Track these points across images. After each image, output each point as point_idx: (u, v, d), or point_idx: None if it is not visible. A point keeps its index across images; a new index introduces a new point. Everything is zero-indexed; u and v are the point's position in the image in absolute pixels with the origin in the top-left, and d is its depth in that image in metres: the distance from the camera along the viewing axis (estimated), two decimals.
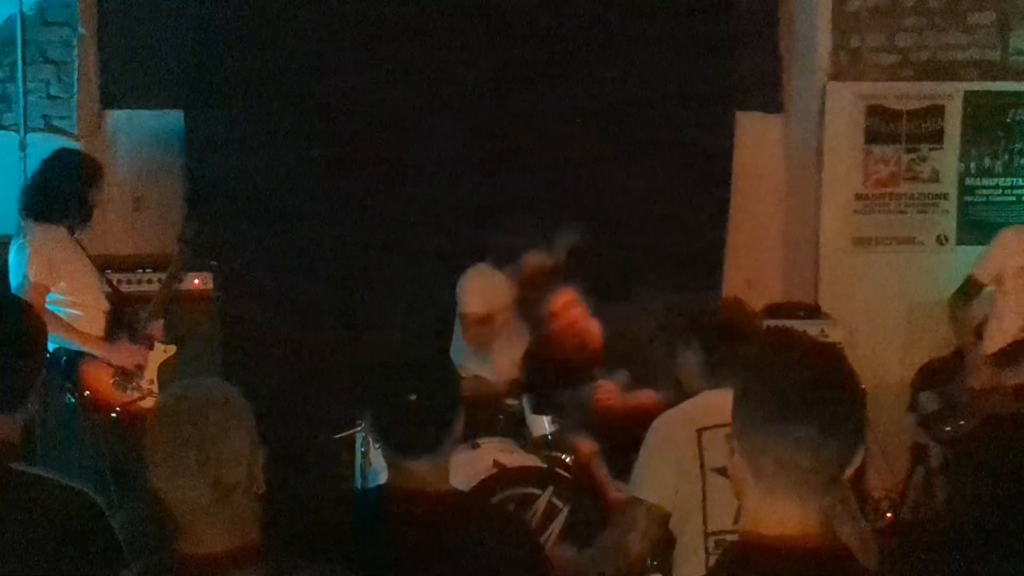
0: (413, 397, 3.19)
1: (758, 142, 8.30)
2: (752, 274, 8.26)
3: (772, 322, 7.38)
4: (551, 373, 6.64)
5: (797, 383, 2.24)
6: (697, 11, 8.13)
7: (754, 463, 2.25)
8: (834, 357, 2.34)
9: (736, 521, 3.66)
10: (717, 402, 3.68)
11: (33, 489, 3.12)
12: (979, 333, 6.90)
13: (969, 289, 6.89)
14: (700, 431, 3.85)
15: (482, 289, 6.95)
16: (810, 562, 2.20)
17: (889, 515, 7.39)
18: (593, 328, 6.73)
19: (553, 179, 7.86)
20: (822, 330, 7.57)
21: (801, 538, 2.21)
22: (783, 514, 2.23)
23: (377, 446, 3.89)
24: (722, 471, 3.67)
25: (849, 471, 2.25)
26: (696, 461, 3.83)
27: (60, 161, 6.55)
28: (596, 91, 7.97)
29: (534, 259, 6.88)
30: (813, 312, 7.88)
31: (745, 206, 8.25)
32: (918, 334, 7.82)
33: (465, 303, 6.96)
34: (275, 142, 7.85)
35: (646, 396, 6.26)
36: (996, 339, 6.80)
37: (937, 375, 7.00)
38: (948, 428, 6.77)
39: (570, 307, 6.70)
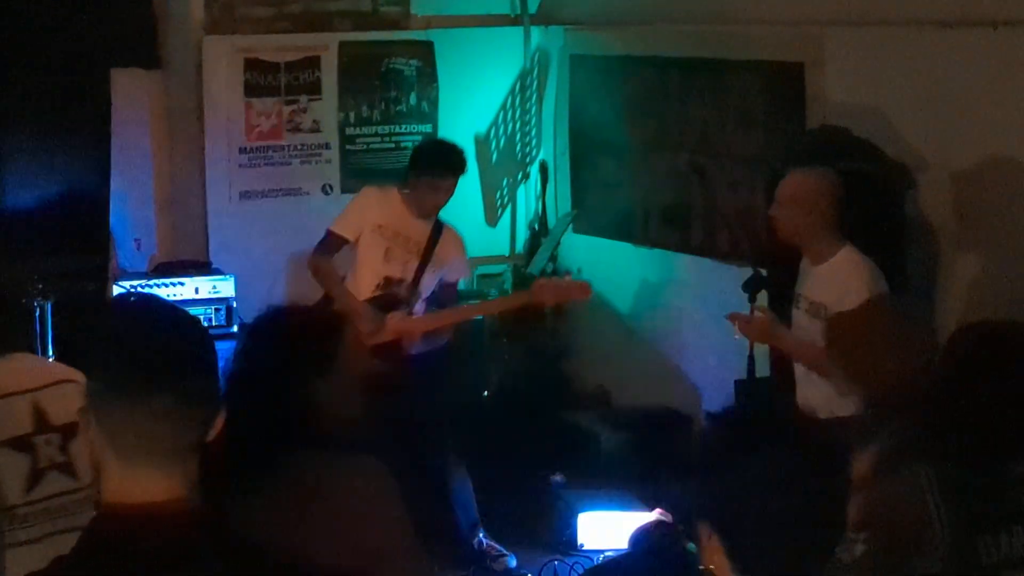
0: None
1: (137, 99, 8.11)
2: (140, 233, 8.10)
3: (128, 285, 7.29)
4: None
5: (150, 353, 2.19)
6: None
7: (112, 436, 2.20)
8: (188, 322, 2.31)
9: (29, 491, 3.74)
10: None
11: None
12: None
13: (327, 244, 6.80)
14: None
15: None
16: (178, 526, 2.18)
17: None
18: None
19: None
20: (214, 286, 7.55)
21: (167, 504, 2.18)
22: (146, 484, 2.19)
23: None
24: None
25: (211, 436, 2.24)
26: None
27: None
28: None
29: None
30: (204, 268, 7.82)
31: (127, 164, 8.05)
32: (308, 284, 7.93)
33: None
34: None
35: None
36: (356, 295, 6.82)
37: None
38: None
39: None
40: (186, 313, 2.34)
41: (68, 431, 3.84)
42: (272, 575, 2.32)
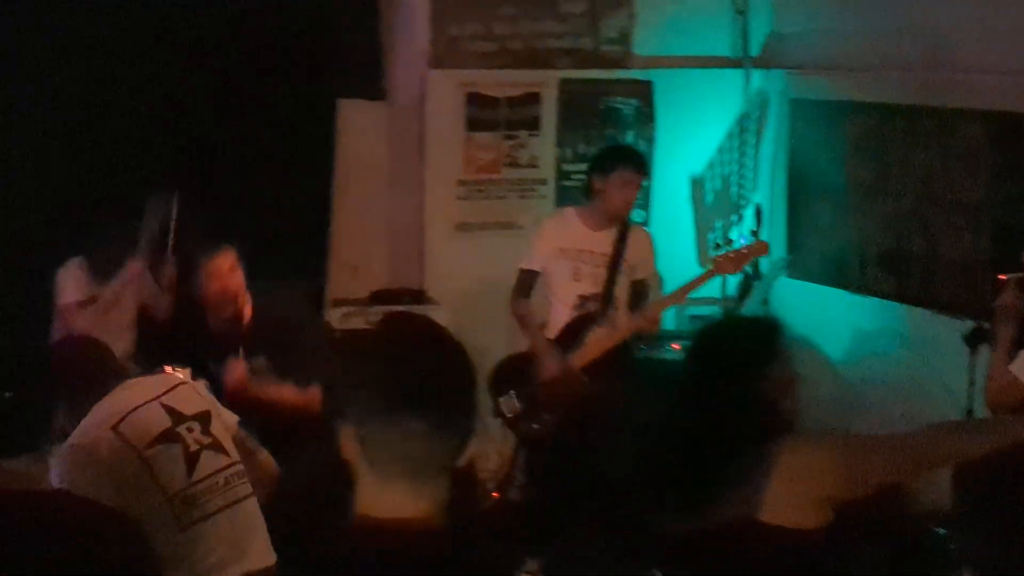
0: (8, 394, 3.03)
1: (361, 129, 8.30)
2: (358, 261, 8.26)
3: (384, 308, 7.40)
4: (196, 340, 6.22)
5: (413, 376, 2.24)
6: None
7: (370, 452, 2.25)
8: (452, 348, 2.35)
9: (190, 474, 4.07)
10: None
11: None
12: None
13: (521, 281, 6.94)
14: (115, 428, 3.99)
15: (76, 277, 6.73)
16: (425, 543, 2.22)
17: (495, 494, 7.53)
18: (247, 301, 6.29)
19: (153, 161, 7.61)
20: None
21: (416, 521, 2.23)
22: (398, 501, 2.24)
23: None
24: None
25: (462, 459, 2.28)
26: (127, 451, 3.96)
27: None
28: (199, 76, 7.78)
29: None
30: (419, 297, 7.95)
31: (349, 193, 8.24)
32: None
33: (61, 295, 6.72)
34: None
35: (285, 391, 6.07)
36: (555, 326, 6.94)
37: (514, 373, 7.05)
38: (535, 426, 6.91)
39: (232, 271, 6.23)
40: (452, 339, 2.38)
41: (203, 417, 4.25)
42: None
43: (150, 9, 7.63)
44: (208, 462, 4.17)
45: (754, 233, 8.23)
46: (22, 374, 3.11)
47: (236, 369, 6.10)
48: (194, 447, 4.17)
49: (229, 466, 4.25)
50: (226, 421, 4.42)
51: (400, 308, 7.26)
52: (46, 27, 7.52)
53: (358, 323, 7.53)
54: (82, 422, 3.93)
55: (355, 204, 8.28)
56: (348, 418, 2.28)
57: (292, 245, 7.88)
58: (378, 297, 7.95)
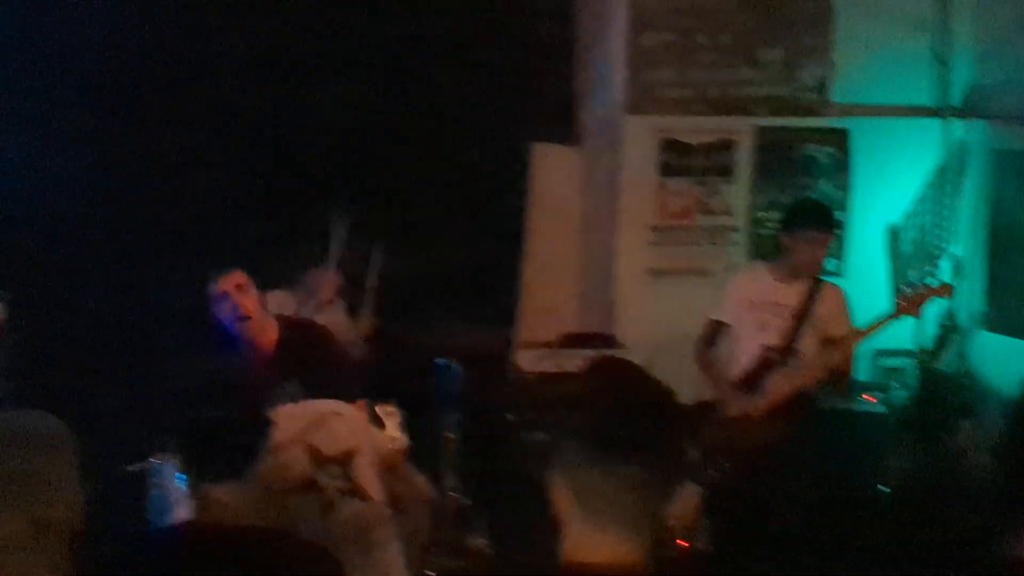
0: (220, 418, 3.09)
1: (554, 173, 8.36)
2: (550, 304, 8.31)
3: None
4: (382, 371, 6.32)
5: (623, 421, 2.25)
6: (493, 43, 8.16)
7: (581, 497, 2.26)
8: (659, 392, 2.36)
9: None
10: None
11: None
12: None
13: (708, 331, 6.96)
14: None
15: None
16: None
17: (682, 542, 7.47)
18: (269, 327, 5.97)
19: (349, 199, 7.75)
20: None
21: (623, 567, 2.23)
22: (607, 546, 2.25)
23: (180, 476, 3.78)
24: None
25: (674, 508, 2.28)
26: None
27: None
28: (394, 116, 7.92)
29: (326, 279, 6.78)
30: (609, 342, 7.95)
31: (542, 236, 8.30)
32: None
33: None
34: (58, 164, 7.65)
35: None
36: (738, 375, 6.90)
37: (697, 421, 6.98)
38: (717, 473, 6.84)
39: (240, 289, 5.89)
40: (661, 384, 2.39)
41: (344, 459, 4.11)
42: None
43: (353, 49, 7.80)
44: (346, 508, 4.10)
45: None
46: (231, 398, 3.16)
47: None
48: (331, 494, 4.09)
49: (369, 510, 4.16)
50: (380, 447, 4.34)
51: (602, 353, 7.28)
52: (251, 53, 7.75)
53: (549, 366, 7.56)
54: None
55: (547, 247, 8.33)
56: (558, 466, 2.30)
57: (483, 287, 7.96)
58: (569, 341, 7.97)
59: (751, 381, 6.85)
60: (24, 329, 7.16)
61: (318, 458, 4.08)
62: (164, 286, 7.60)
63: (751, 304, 6.86)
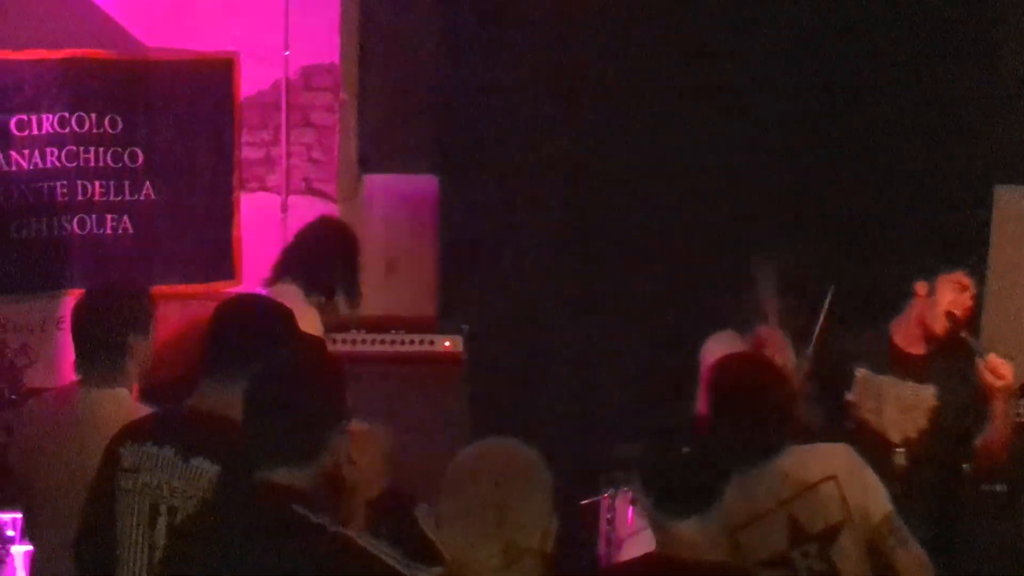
0: (686, 450, 3.13)
1: (1019, 216, 8.07)
2: (1011, 351, 7.98)
3: None
4: None
5: None
6: (956, 82, 7.94)
7: None
8: None
9: None
10: None
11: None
12: None
13: None
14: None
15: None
16: None
17: None
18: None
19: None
20: None
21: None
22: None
23: (639, 509, 3.83)
24: None
25: None
26: None
27: (325, 228, 6.60)
28: (858, 155, 7.86)
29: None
30: None
31: (1004, 280, 8.00)
32: None
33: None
34: (527, 206, 7.97)
35: None
36: None
37: None
38: None
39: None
40: None
41: (825, 537, 3.74)
42: None
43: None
44: None
45: None
46: (694, 430, 3.19)
47: None
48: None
49: None
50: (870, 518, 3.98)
51: None
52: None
53: None
54: None
55: (1009, 291, 8.02)
56: None
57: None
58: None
59: None
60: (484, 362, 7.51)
61: (798, 534, 3.76)
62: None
63: None
